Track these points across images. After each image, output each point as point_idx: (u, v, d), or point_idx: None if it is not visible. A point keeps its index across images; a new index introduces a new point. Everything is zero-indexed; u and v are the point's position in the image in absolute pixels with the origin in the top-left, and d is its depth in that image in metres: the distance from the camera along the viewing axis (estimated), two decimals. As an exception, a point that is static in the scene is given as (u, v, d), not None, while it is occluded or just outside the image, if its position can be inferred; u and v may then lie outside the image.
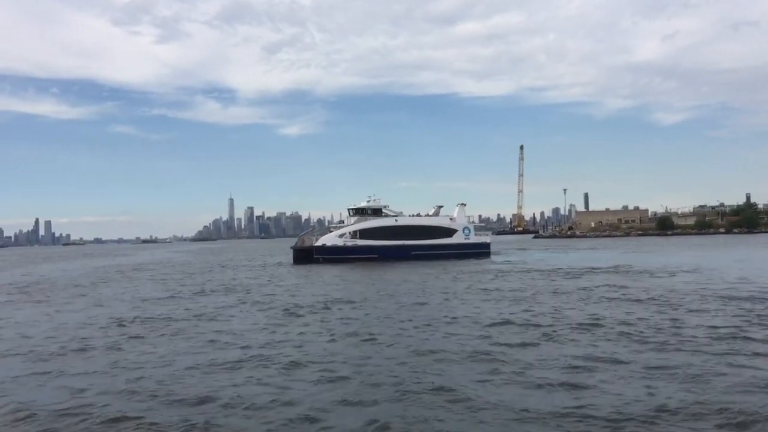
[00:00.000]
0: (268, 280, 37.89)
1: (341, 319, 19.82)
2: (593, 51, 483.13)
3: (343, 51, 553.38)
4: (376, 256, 54.27)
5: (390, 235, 55.74)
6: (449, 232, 58.14)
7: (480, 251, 58.99)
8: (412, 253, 54.99)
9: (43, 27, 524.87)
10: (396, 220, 57.41)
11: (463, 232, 58.86)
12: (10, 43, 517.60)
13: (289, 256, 60.47)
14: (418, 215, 60.41)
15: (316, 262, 54.29)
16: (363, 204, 58.28)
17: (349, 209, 59.12)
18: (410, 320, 19.04)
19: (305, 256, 55.94)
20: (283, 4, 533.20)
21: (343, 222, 62.01)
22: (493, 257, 58.27)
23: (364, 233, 55.60)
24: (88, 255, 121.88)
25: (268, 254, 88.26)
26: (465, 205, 61.12)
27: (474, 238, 59.81)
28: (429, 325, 17.88)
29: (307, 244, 57.86)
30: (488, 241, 62.84)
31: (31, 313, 23.52)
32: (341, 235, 56.04)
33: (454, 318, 19.09)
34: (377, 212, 57.72)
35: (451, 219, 59.11)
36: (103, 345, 15.86)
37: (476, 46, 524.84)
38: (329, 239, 56.32)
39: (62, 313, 23.36)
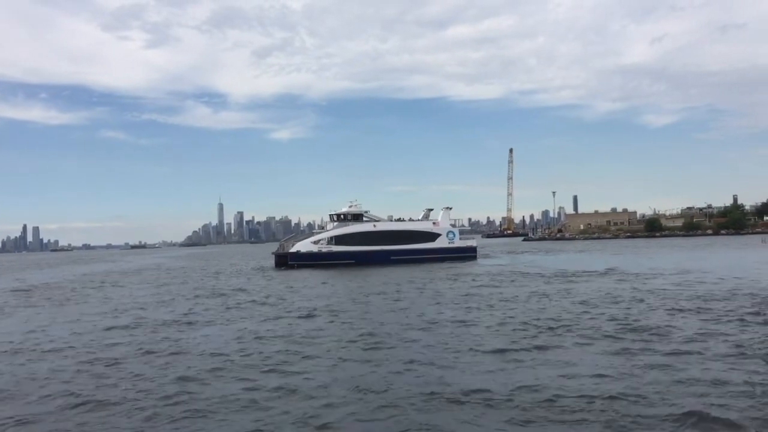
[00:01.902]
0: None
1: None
2: (583, 54, 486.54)
3: (333, 55, 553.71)
4: (352, 261, 54.28)
5: (367, 241, 55.85)
6: (432, 236, 58.08)
7: (465, 255, 58.86)
8: (391, 258, 55.07)
9: (32, 32, 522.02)
10: (374, 226, 57.35)
11: (447, 236, 58.69)
12: (0, 49, 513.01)
13: (271, 261, 60.95)
14: (401, 220, 60.62)
15: (291, 268, 54.37)
16: (343, 210, 58.22)
17: (330, 215, 59.20)
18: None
19: (286, 261, 56.13)
20: (273, 8, 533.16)
21: (323, 227, 61.74)
22: (479, 260, 58.28)
23: (340, 239, 55.70)
24: (80, 261, 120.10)
25: (251, 259, 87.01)
26: (450, 209, 60.95)
27: (459, 242, 59.67)
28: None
29: (288, 249, 57.81)
30: (474, 244, 62.49)
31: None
32: (317, 242, 56.37)
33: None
34: (357, 218, 57.66)
35: (434, 223, 58.98)
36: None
37: (467, 49, 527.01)
38: (304, 246, 56.59)
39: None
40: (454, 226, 61.18)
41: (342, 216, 57.58)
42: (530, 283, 33.19)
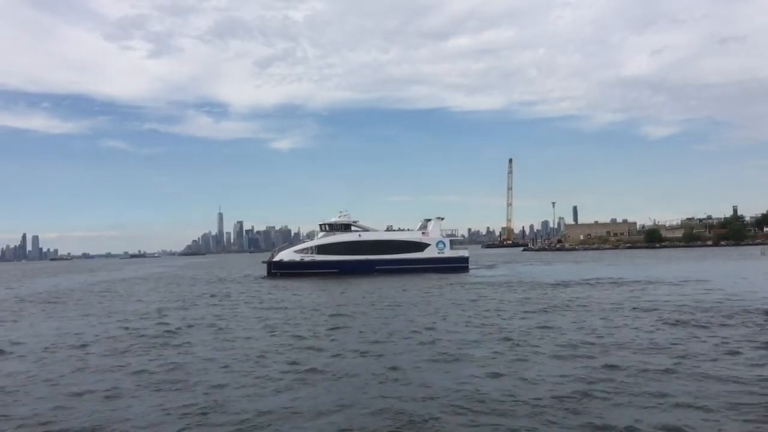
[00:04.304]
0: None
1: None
2: (583, 66, 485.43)
3: (335, 65, 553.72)
4: (336, 270, 54.47)
5: (352, 251, 55.99)
6: (420, 246, 57.62)
7: (456, 265, 57.92)
8: (376, 267, 54.99)
9: (35, 41, 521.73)
10: (359, 236, 57.38)
11: (437, 246, 58.09)
12: (2, 58, 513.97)
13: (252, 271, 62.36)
14: (393, 230, 60.86)
15: (274, 276, 55.28)
16: (333, 219, 58.46)
17: (320, 225, 59.46)
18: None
19: None
20: (275, 19, 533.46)
21: (310, 237, 62.26)
22: (473, 271, 57.62)
23: (324, 248, 56.04)
24: (81, 270, 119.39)
25: (242, 269, 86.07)
26: (442, 219, 60.62)
27: (449, 253, 58.77)
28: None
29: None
30: (466, 255, 61.40)
31: None
32: (301, 251, 57.00)
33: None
34: (346, 227, 57.83)
35: (423, 233, 58.62)
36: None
37: (468, 60, 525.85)
38: (286, 255, 57.41)
39: None
40: (452, 235, 60.92)
41: (330, 226, 57.79)
42: (516, 295, 32.13)
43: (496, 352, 15.63)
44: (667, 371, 12.80)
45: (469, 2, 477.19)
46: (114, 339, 20.08)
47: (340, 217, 58.55)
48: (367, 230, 58.87)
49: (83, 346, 18.77)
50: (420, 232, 58.98)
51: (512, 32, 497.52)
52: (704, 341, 16.26)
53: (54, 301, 38.19)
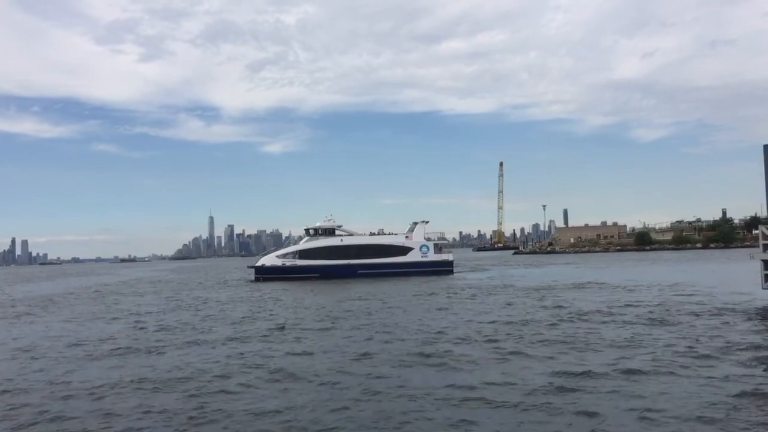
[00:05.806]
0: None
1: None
2: (574, 69, 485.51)
3: (326, 69, 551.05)
4: (317, 275, 54.96)
5: (334, 255, 56.50)
6: (403, 250, 57.72)
7: (440, 269, 57.90)
8: (359, 272, 55.27)
9: (25, 45, 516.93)
10: (341, 240, 57.82)
11: (421, 250, 58.12)
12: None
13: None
14: (372, 234, 61.38)
15: (257, 281, 56.41)
16: (317, 224, 58.80)
17: (305, 229, 59.85)
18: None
19: None
20: (267, 23, 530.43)
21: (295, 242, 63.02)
22: (458, 274, 57.63)
23: (305, 253, 57.02)
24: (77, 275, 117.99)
25: (231, 272, 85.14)
26: (427, 222, 60.91)
27: (433, 256, 58.67)
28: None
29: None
30: (450, 258, 61.03)
31: None
32: (283, 255, 58.11)
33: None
34: (330, 232, 58.13)
35: (406, 237, 58.84)
36: None
37: (460, 64, 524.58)
38: (268, 260, 58.80)
39: None
40: (441, 239, 61.59)
41: (315, 230, 58.16)
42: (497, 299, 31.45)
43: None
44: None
45: (462, 6, 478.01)
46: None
47: (325, 221, 58.82)
48: (352, 234, 59.21)
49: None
50: (403, 235, 59.15)
51: (504, 36, 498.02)
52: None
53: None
